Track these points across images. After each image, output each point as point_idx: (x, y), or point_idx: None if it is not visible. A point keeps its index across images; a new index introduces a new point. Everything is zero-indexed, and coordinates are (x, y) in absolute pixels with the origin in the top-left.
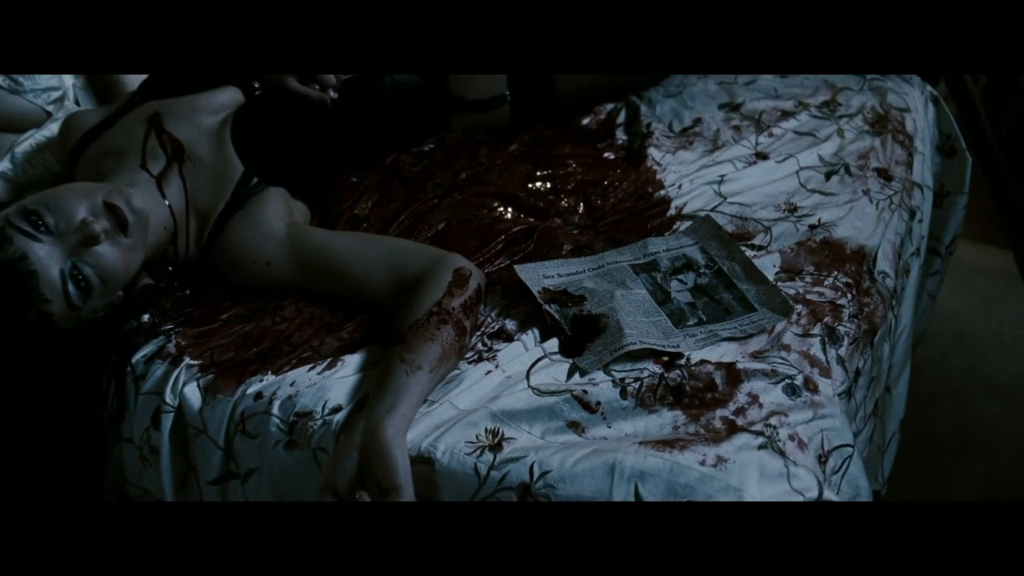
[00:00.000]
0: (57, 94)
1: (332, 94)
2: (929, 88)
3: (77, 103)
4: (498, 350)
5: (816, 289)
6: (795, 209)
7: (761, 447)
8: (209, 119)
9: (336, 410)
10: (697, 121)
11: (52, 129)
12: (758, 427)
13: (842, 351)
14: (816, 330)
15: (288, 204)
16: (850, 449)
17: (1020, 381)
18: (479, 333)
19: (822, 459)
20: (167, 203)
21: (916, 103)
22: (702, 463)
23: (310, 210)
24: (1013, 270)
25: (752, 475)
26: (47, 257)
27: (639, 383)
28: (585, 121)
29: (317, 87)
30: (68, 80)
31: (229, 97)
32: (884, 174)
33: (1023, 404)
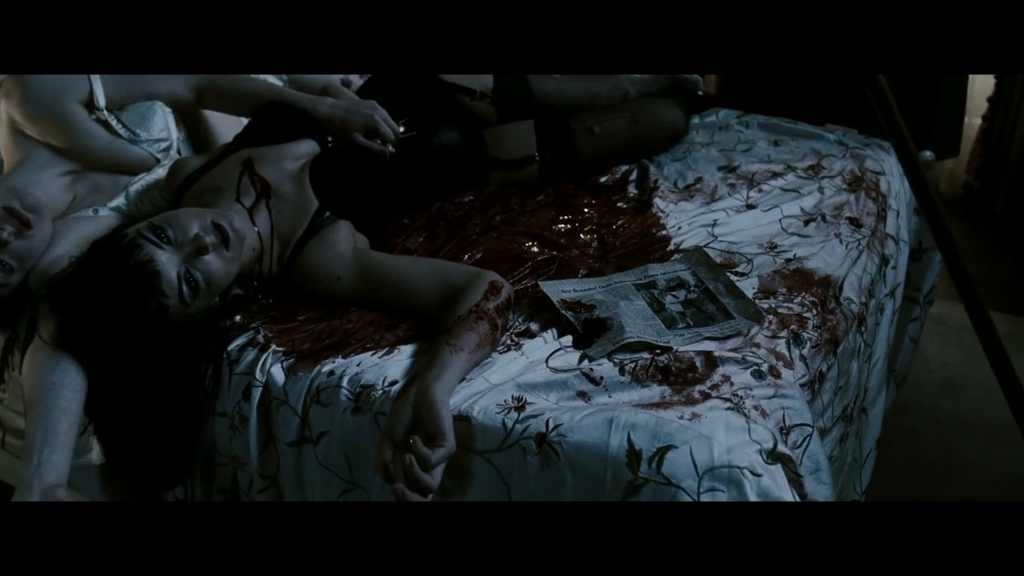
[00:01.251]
0: (165, 144)
1: (390, 148)
2: None
3: (179, 152)
4: (523, 343)
5: (786, 305)
6: (775, 247)
7: (728, 409)
8: (291, 164)
9: (393, 383)
10: (698, 180)
11: (160, 172)
12: (727, 396)
13: (805, 351)
14: (783, 334)
15: (353, 234)
16: (810, 428)
17: (1000, 422)
18: (509, 332)
19: (784, 431)
20: (256, 230)
21: (892, 168)
22: (680, 417)
23: (369, 242)
24: (1000, 327)
25: (720, 427)
26: (167, 262)
27: (635, 364)
28: (603, 179)
29: (379, 142)
30: (174, 133)
31: (307, 147)
32: (855, 222)
33: (1001, 442)
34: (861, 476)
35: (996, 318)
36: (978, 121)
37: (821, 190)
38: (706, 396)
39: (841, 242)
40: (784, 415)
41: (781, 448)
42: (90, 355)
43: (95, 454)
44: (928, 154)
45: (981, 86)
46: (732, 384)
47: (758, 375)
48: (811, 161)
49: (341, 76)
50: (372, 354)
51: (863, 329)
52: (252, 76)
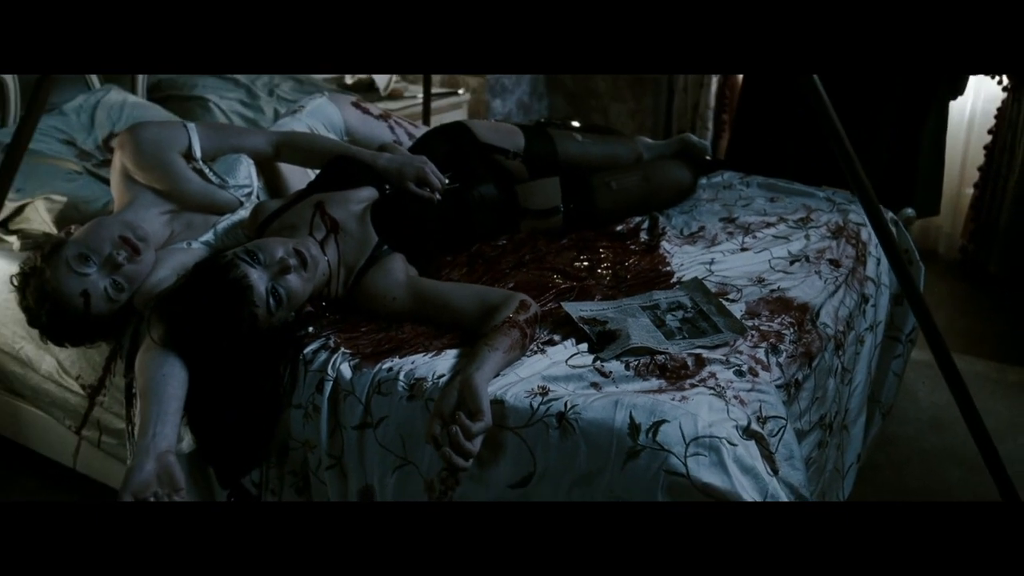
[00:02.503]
0: (247, 190)
1: (437, 196)
2: (890, 214)
3: (259, 197)
4: (547, 349)
5: (767, 324)
6: (762, 280)
7: (712, 395)
8: (355, 207)
9: (441, 376)
10: (701, 228)
11: (242, 213)
12: (712, 386)
13: (781, 359)
14: (763, 345)
15: (405, 264)
16: (784, 421)
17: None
18: (536, 341)
19: (760, 419)
20: (326, 259)
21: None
22: (672, 399)
23: (418, 273)
24: (991, 374)
25: (704, 407)
26: (258, 279)
27: (638, 362)
28: (619, 228)
29: (428, 190)
30: (255, 181)
31: (368, 193)
32: (834, 263)
33: (984, 469)
34: (844, 485)
35: (989, 367)
36: (971, 190)
37: (807, 237)
38: (694, 386)
39: (820, 278)
40: (760, 407)
41: (755, 427)
42: (192, 353)
43: (186, 443)
44: (910, 211)
45: (973, 157)
46: (716, 379)
47: (739, 373)
48: (801, 214)
49: (394, 138)
50: (423, 355)
51: (840, 353)
52: (320, 135)
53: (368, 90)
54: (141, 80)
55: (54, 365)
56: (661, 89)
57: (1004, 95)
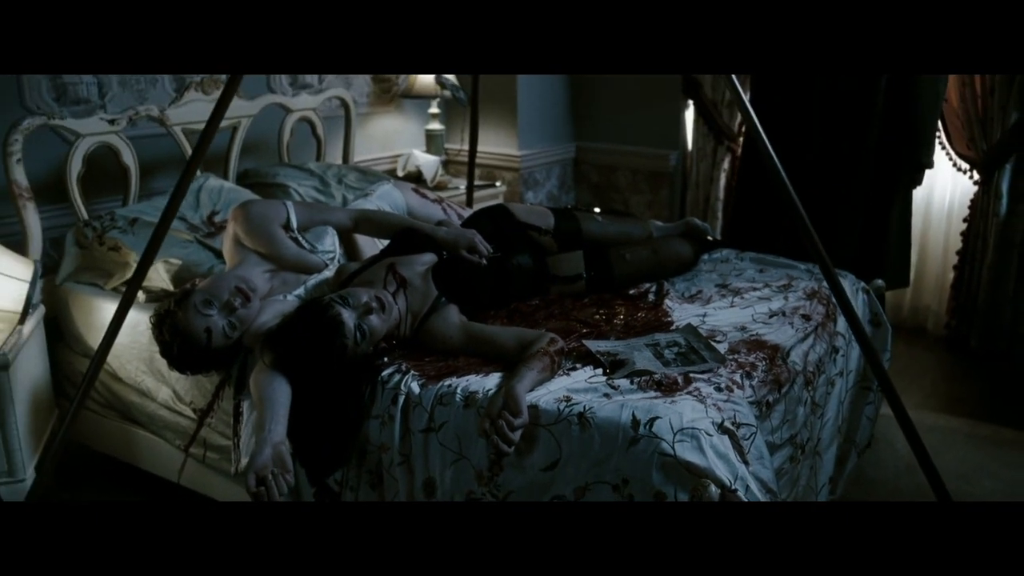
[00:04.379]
0: (331, 255)
1: (484, 262)
2: (862, 283)
3: (339, 260)
4: (571, 373)
5: (744, 357)
6: (744, 328)
7: (695, 400)
8: (419, 268)
9: (489, 390)
10: (699, 292)
11: (327, 273)
12: (695, 395)
13: (753, 383)
14: (739, 372)
15: (459, 313)
16: (754, 428)
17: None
18: (562, 368)
19: (734, 424)
20: (397, 307)
21: (848, 288)
22: (665, 403)
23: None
24: (964, 428)
25: (688, 408)
26: (348, 317)
27: (640, 379)
28: (631, 292)
29: (477, 257)
30: (337, 249)
31: (429, 258)
32: (806, 317)
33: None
34: (817, 501)
35: (964, 423)
36: (952, 273)
37: (786, 298)
38: (682, 395)
39: (792, 327)
40: (735, 415)
41: (728, 426)
42: (295, 374)
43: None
44: (879, 282)
45: (953, 243)
46: (700, 391)
47: (718, 389)
48: (783, 281)
49: (447, 216)
50: (475, 375)
51: (810, 388)
52: (389, 212)
53: (417, 181)
54: (232, 169)
55: (170, 394)
56: (676, 183)
57: (976, 188)
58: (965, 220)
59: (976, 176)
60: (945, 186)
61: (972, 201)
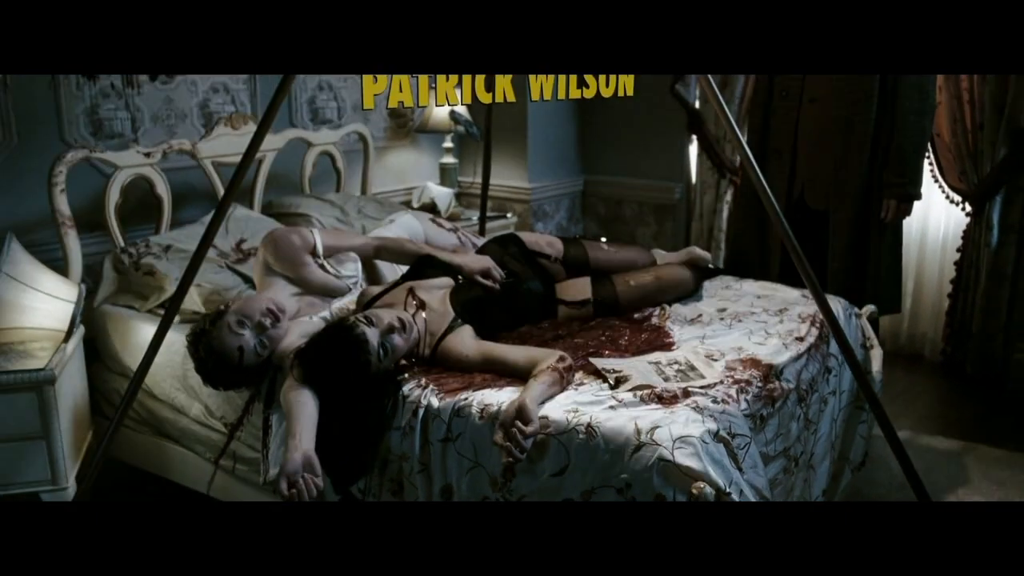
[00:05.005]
0: (354, 280)
1: (497, 287)
2: (854, 309)
3: (362, 285)
4: (578, 388)
5: (740, 374)
6: (741, 348)
7: (692, 410)
8: (437, 292)
9: (502, 403)
10: (700, 315)
11: (351, 296)
12: (693, 407)
13: (748, 397)
14: (734, 387)
15: (474, 333)
16: (748, 439)
17: None
18: (571, 384)
19: (729, 434)
20: (416, 328)
21: (839, 312)
22: (664, 413)
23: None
24: (954, 448)
25: (686, 418)
26: (372, 336)
27: (642, 393)
28: (636, 316)
29: (491, 282)
30: (360, 274)
31: (446, 282)
32: (799, 339)
33: None
34: None
35: (957, 444)
36: (947, 301)
37: (781, 321)
38: (680, 406)
39: (786, 348)
40: (730, 426)
41: (723, 435)
42: (322, 388)
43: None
44: (871, 308)
45: (948, 272)
46: (697, 403)
47: (714, 401)
48: (780, 306)
49: (461, 244)
50: (490, 390)
51: (803, 405)
52: (410, 239)
53: (431, 212)
54: (258, 200)
55: (201, 409)
56: (680, 215)
57: (968, 219)
58: (958, 250)
59: (968, 208)
60: (939, 217)
61: (965, 232)
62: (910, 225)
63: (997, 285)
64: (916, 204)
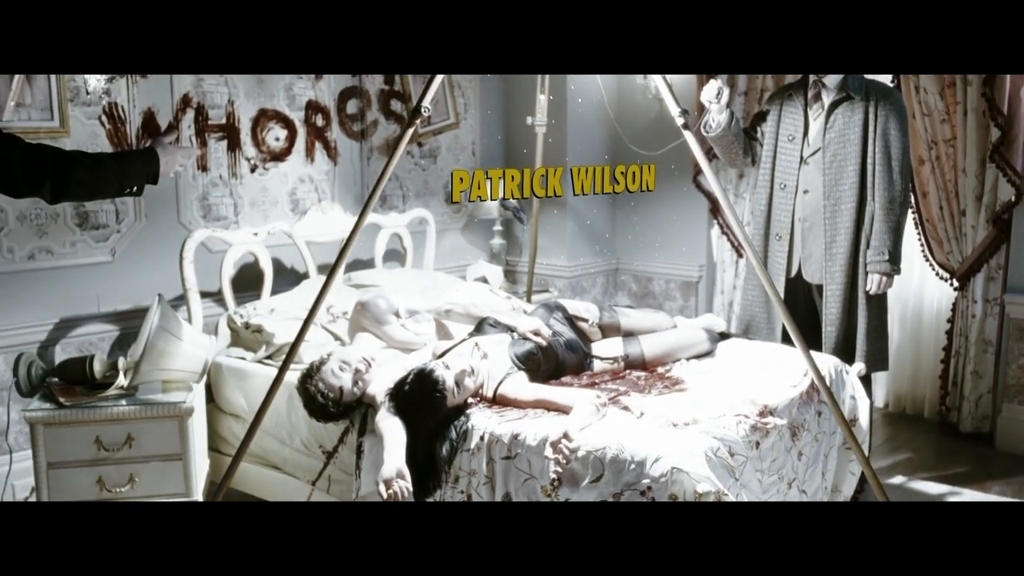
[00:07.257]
0: (427, 337)
1: (544, 342)
2: (845, 366)
3: (433, 340)
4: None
5: (740, 410)
6: (743, 392)
7: (701, 434)
8: (497, 345)
9: (550, 429)
10: (711, 369)
11: (425, 350)
12: (702, 431)
13: (745, 428)
14: (736, 419)
15: (526, 379)
16: (744, 458)
17: None
18: (605, 415)
19: (730, 453)
20: (481, 373)
21: (832, 369)
22: (678, 434)
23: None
24: (943, 492)
25: (695, 438)
26: (448, 378)
27: (660, 420)
28: (660, 370)
29: (540, 338)
30: (432, 332)
31: (504, 337)
32: (792, 386)
33: None
34: None
35: (949, 489)
36: (941, 365)
37: (780, 373)
38: (691, 431)
39: (780, 392)
40: (731, 447)
41: (723, 453)
42: (409, 418)
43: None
44: (860, 365)
45: (941, 340)
46: (704, 430)
47: (719, 427)
48: (780, 362)
49: (513, 309)
50: (541, 419)
51: (796, 439)
52: (474, 304)
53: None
54: (340, 273)
55: (302, 440)
56: (703, 290)
57: (956, 293)
58: (949, 320)
59: (955, 283)
60: (934, 292)
61: (954, 304)
62: (908, 297)
63: (983, 351)
64: (915, 279)
